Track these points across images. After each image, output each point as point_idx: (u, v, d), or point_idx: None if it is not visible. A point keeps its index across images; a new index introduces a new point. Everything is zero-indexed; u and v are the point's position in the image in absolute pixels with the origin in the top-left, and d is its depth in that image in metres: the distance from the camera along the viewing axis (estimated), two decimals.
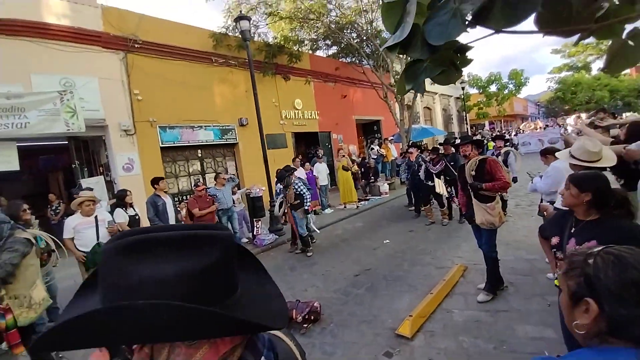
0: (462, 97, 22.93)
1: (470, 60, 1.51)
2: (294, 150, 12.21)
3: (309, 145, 13.71)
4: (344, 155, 9.45)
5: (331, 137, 13.76)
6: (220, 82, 9.83)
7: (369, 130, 17.00)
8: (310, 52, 13.36)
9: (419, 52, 1.50)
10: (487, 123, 30.84)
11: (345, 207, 9.25)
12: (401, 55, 9.78)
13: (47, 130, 6.53)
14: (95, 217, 4.08)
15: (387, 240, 6.07)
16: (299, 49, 11.72)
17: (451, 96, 24.56)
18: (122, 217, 4.67)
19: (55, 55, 6.87)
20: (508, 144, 6.72)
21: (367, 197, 10.45)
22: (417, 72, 1.52)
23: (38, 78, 6.71)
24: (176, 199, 8.75)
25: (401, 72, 1.51)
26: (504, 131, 28.39)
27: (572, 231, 1.75)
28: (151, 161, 8.18)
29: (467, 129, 25.57)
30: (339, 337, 3.18)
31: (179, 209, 6.21)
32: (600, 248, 0.79)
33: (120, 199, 4.81)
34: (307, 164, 9.29)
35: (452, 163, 6.37)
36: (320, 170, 9.02)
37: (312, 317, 3.41)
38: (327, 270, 4.98)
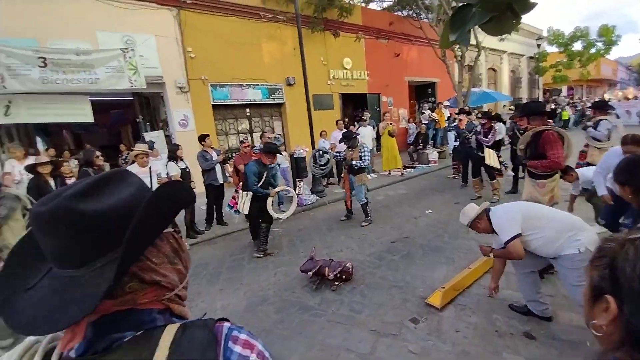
0: (537, 56, 19.89)
1: (533, 5, 1.25)
2: (341, 111, 11.94)
3: (356, 107, 13.27)
4: (390, 123, 8.99)
5: (380, 100, 13.15)
6: (268, 39, 9.70)
7: (422, 94, 15.86)
8: (362, 4, 12.44)
9: None
10: (565, 88, 26.92)
11: (389, 173, 9.02)
12: None
13: (113, 86, 7.11)
14: (150, 168, 4.49)
15: (430, 210, 5.86)
16: (350, 2, 10.95)
17: (523, 55, 21.50)
18: (174, 169, 5.07)
19: (116, 12, 7.24)
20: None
21: (414, 165, 10.04)
22: (464, 20, 1.31)
23: (103, 35, 7.18)
24: (228, 155, 9.23)
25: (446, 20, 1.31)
26: (586, 99, 24.45)
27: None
28: (203, 118, 8.60)
29: (539, 94, 22.59)
30: (367, 298, 3.25)
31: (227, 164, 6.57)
32: None
33: (172, 153, 5.19)
34: (352, 126, 9.06)
35: (521, 132, 5.72)
36: (365, 134, 8.72)
37: (344, 277, 3.51)
38: (363, 234, 5.02)
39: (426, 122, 10.91)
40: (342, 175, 5.80)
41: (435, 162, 10.02)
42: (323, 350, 2.57)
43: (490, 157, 5.91)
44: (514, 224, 2.35)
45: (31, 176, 3.88)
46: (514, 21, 1.19)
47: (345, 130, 6.12)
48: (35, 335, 0.50)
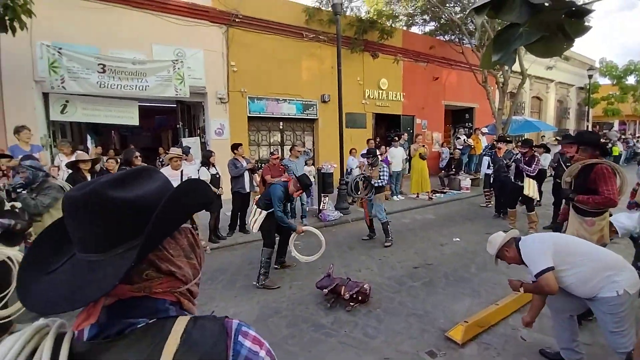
0: (588, 87, 18.77)
1: (587, 28, 1.19)
2: (373, 131, 11.90)
3: (389, 127, 13.19)
4: (423, 145, 8.80)
5: (414, 122, 12.97)
6: (308, 57, 10.01)
7: (459, 119, 15.46)
8: (404, 28, 12.54)
9: (515, 14, 1.23)
10: (616, 123, 25.11)
11: (417, 196, 8.76)
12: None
13: (161, 93, 7.63)
14: (181, 171, 4.69)
15: (458, 239, 5.57)
16: (392, 25, 11.09)
17: (572, 85, 20.42)
18: (205, 174, 5.26)
19: (172, 27, 7.86)
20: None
21: (444, 190, 9.68)
22: (510, 40, 1.26)
23: (157, 48, 7.79)
24: (259, 165, 9.48)
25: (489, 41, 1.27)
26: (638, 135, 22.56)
27: None
28: (239, 128, 8.94)
29: (587, 126, 21.17)
30: (384, 323, 3.09)
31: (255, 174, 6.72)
32: None
33: (205, 158, 5.41)
34: (383, 147, 8.98)
35: (568, 164, 5.37)
36: (396, 154, 8.62)
37: (360, 298, 3.38)
38: (385, 256, 4.85)
39: (460, 147, 10.57)
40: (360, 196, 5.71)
41: (467, 189, 9.61)
42: None
43: (530, 188, 5.57)
44: (545, 256, 2.13)
45: (70, 171, 4.20)
46: (565, 44, 1.12)
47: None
48: (54, 314, 0.52)
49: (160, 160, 9.60)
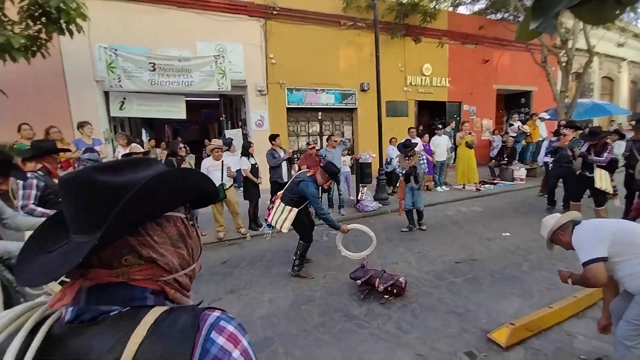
0: None
1: None
2: (416, 119, 11.37)
3: (434, 115, 12.51)
4: (470, 132, 8.18)
5: (462, 108, 12.15)
6: (346, 46, 9.79)
7: (513, 104, 14.16)
8: (449, 9, 11.70)
9: None
10: None
11: (464, 187, 8.22)
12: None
13: (204, 88, 7.99)
14: (222, 161, 4.86)
15: (508, 233, 5.13)
16: (436, 6, 10.39)
17: None
18: (246, 164, 5.42)
19: (213, 24, 8.14)
20: None
21: (495, 181, 8.97)
22: (551, 3, 1.06)
23: (200, 44, 8.13)
24: (295, 155, 9.58)
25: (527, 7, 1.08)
26: None
27: None
28: (278, 119, 9.08)
29: None
30: (419, 319, 2.95)
31: (294, 164, 6.79)
32: None
33: (245, 149, 5.56)
34: (427, 135, 8.53)
35: None
36: (439, 143, 8.13)
37: (395, 291, 3.25)
38: (424, 250, 4.62)
39: (514, 135, 9.66)
40: (398, 184, 5.51)
41: (522, 179, 8.80)
42: None
43: (602, 179, 4.92)
44: (599, 244, 1.87)
45: None
46: (617, 11, 0.92)
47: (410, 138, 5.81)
48: (32, 286, 0.53)
49: (206, 151, 10.10)
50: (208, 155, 5.30)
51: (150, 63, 7.27)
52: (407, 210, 5.40)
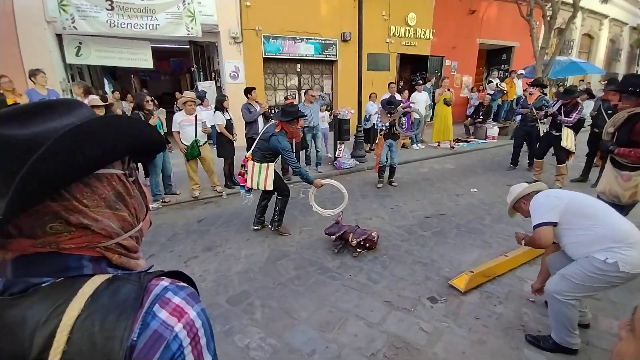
0: None
1: None
2: (397, 74, 11.12)
3: (415, 70, 12.25)
4: (448, 89, 8.12)
5: (443, 63, 11.94)
6: None
7: (494, 60, 14.02)
8: None
9: None
10: None
11: (439, 145, 8.40)
12: None
13: (172, 32, 7.32)
14: (195, 116, 4.64)
15: (475, 190, 5.40)
16: None
17: (626, 24, 17.72)
18: (220, 119, 5.20)
19: None
20: None
21: (468, 139, 9.20)
22: None
23: None
24: (273, 111, 9.27)
25: None
26: None
27: None
28: (254, 71, 8.59)
29: (638, 71, 18.76)
30: (388, 269, 3.17)
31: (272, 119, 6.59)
32: None
33: (219, 103, 5.29)
34: (407, 91, 8.42)
35: (609, 112, 4.87)
36: (419, 100, 8.08)
37: (367, 245, 3.43)
38: (397, 205, 4.82)
39: (492, 92, 9.71)
40: (377, 140, 5.57)
41: (494, 138, 9.07)
42: (332, 312, 2.60)
43: (568, 139, 5.16)
44: (551, 210, 2.02)
45: None
46: None
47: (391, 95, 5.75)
48: None
49: (177, 104, 9.56)
50: (180, 109, 5.03)
51: (107, 1, 6.49)
52: (381, 166, 5.52)
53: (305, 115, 4.29)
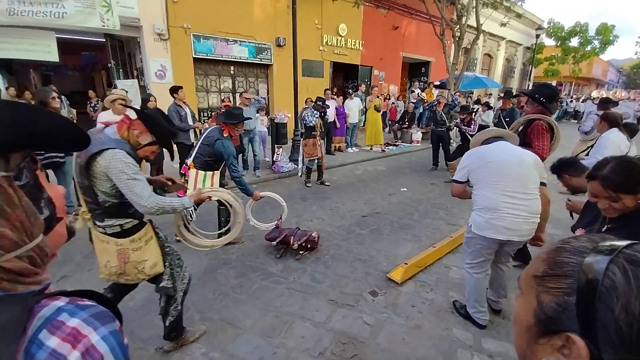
0: (534, 47, 19.66)
1: None
2: (330, 81, 11.54)
3: (347, 78, 12.88)
4: (378, 96, 8.75)
5: (372, 73, 12.78)
6: None
7: (415, 72, 15.55)
8: None
9: None
10: (554, 83, 27.16)
11: (371, 149, 8.93)
12: None
13: (83, 23, 6.47)
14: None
15: (405, 189, 5.87)
16: None
17: (520, 45, 21.32)
18: None
19: None
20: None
21: (397, 143, 9.98)
22: None
23: None
24: (205, 114, 8.81)
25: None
26: (575, 96, 24.41)
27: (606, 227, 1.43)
28: (183, 71, 8.07)
29: (529, 86, 22.66)
30: (330, 269, 3.24)
31: (206, 123, 6.26)
32: (626, 243, 0.42)
33: (144, 103, 4.84)
34: (341, 97, 8.77)
35: (507, 119, 5.86)
36: (352, 106, 8.52)
37: (309, 246, 3.47)
38: (336, 206, 4.97)
39: (414, 101, 10.74)
40: (316, 140, 5.77)
41: (418, 142, 10.00)
42: (278, 317, 2.55)
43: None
44: (463, 169, 2.29)
45: None
46: None
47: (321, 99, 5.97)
48: None
49: (92, 104, 8.49)
50: (95, 109, 4.44)
51: None
52: (310, 167, 5.86)
53: (250, 118, 4.12)
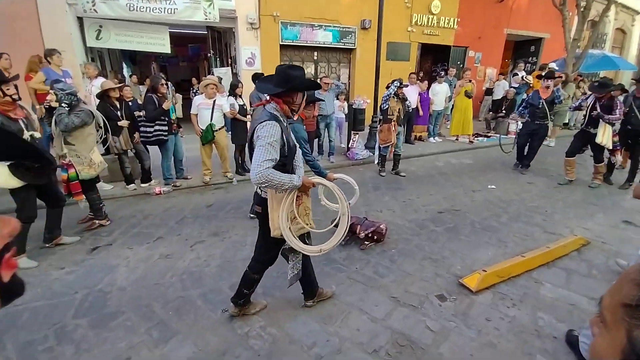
0: None
1: None
2: (417, 64, 10.75)
3: (436, 61, 11.80)
4: (470, 80, 7.73)
5: (467, 54, 11.45)
6: None
7: (521, 52, 13.35)
8: None
9: None
10: None
11: (457, 139, 8.10)
12: None
13: (189, 17, 7.28)
14: (214, 101, 4.62)
15: (493, 186, 5.17)
16: None
17: None
18: (235, 105, 5.13)
19: None
20: None
21: (489, 134, 8.83)
22: None
23: None
24: None
25: None
26: None
27: None
28: (270, 58, 8.47)
29: None
30: (396, 264, 3.06)
31: None
32: None
33: (232, 89, 5.23)
34: (426, 82, 8.10)
35: None
36: (438, 92, 7.78)
37: (375, 237, 3.33)
38: (410, 199, 4.67)
39: (516, 85, 9.25)
40: (391, 125, 5.28)
41: (515, 134, 8.64)
42: (335, 305, 2.53)
43: (605, 135, 4.80)
44: None
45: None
46: None
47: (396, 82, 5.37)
48: None
49: (194, 90, 9.59)
50: (200, 93, 4.94)
51: None
52: (385, 154, 5.58)
53: (323, 100, 4.10)
